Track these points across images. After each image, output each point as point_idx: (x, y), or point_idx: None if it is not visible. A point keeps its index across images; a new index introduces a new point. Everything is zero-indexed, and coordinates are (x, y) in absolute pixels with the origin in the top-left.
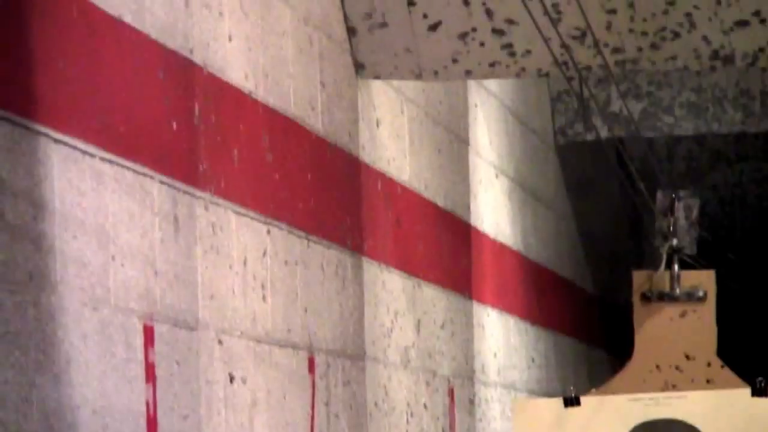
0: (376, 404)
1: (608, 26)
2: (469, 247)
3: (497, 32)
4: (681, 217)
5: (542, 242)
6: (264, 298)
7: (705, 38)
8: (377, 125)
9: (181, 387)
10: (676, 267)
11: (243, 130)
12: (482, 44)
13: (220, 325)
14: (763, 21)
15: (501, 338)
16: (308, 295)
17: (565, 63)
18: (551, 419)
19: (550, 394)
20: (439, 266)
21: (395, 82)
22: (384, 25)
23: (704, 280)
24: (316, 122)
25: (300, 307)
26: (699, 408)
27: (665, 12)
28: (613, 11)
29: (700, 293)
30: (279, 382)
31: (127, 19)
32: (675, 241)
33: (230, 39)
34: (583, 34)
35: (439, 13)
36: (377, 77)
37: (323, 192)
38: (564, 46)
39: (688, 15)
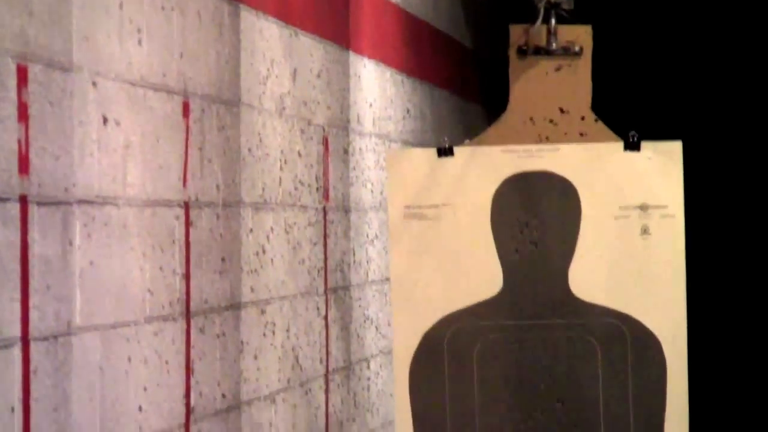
0: (249, 150)
1: None
2: None
3: None
4: None
5: None
6: (140, 42)
7: None
8: None
9: (54, 127)
10: (553, 21)
11: None
12: None
13: (95, 68)
14: None
15: (377, 89)
16: (184, 41)
17: None
18: (425, 169)
19: (424, 145)
20: (316, 16)
21: None
22: None
23: (581, 35)
24: None
25: (176, 53)
26: (571, 160)
27: None
28: None
29: (577, 48)
30: (153, 126)
31: None
32: None
33: None
34: None
35: None
36: None
37: None
38: None
39: None
